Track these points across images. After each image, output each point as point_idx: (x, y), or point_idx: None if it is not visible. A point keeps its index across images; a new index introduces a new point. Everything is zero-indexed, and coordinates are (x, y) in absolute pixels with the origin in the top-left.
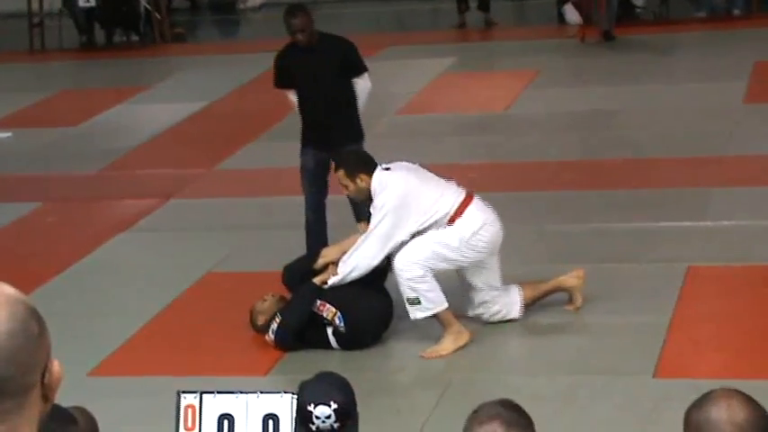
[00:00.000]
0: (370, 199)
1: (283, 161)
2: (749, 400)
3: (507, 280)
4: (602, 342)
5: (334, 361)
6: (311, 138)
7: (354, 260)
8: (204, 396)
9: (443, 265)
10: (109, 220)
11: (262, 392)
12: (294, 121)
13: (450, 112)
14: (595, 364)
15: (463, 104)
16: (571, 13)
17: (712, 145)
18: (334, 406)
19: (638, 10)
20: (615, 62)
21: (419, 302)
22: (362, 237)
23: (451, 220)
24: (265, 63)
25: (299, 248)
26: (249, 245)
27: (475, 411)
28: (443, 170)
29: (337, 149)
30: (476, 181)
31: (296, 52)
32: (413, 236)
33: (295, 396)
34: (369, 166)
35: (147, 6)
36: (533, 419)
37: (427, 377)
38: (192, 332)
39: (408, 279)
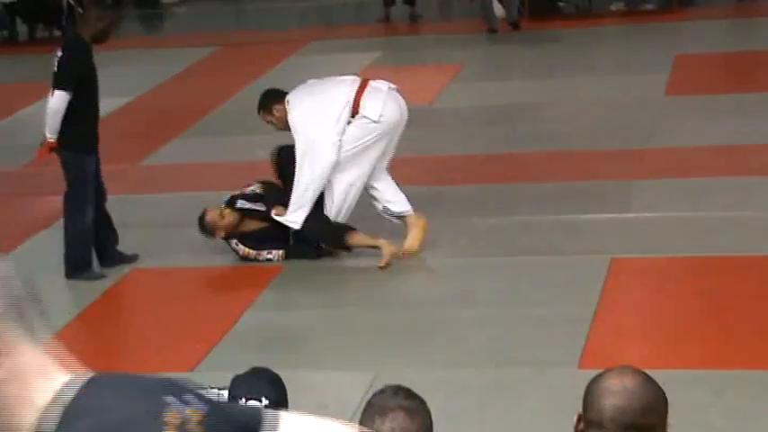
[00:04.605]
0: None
1: (208, 156)
2: (642, 373)
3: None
4: (526, 334)
5: (257, 358)
6: (94, 142)
7: (300, 187)
8: None
9: (375, 149)
10: (33, 217)
11: None
12: (221, 115)
13: None
14: (520, 356)
15: None
16: (496, 7)
17: (635, 137)
18: (265, 402)
19: (561, 3)
20: (539, 55)
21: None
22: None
23: (355, 112)
24: (190, 58)
25: (224, 244)
26: (175, 240)
27: (370, 404)
28: None
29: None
30: (401, 175)
31: (89, 50)
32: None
33: (222, 391)
34: (278, 96)
35: (70, 1)
36: (460, 412)
37: (353, 372)
38: (119, 328)
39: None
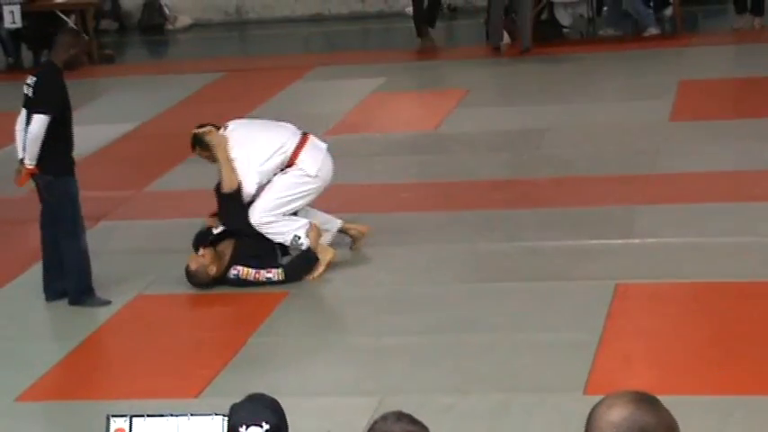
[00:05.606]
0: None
1: (213, 182)
2: (652, 401)
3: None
4: (532, 359)
5: (262, 383)
6: (72, 164)
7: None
8: (134, 419)
9: (300, 203)
10: (37, 244)
11: (192, 415)
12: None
13: (380, 131)
14: (526, 382)
15: (394, 124)
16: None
17: (640, 163)
18: (266, 427)
19: (566, 29)
20: (544, 81)
21: (300, 238)
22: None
23: (290, 164)
24: (195, 84)
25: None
26: (179, 267)
27: (373, 430)
28: (375, 190)
29: None
30: (407, 201)
31: (62, 75)
32: (261, 183)
33: (226, 418)
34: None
35: (75, 28)
36: None
37: (357, 397)
38: (122, 355)
39: (272, 231)
